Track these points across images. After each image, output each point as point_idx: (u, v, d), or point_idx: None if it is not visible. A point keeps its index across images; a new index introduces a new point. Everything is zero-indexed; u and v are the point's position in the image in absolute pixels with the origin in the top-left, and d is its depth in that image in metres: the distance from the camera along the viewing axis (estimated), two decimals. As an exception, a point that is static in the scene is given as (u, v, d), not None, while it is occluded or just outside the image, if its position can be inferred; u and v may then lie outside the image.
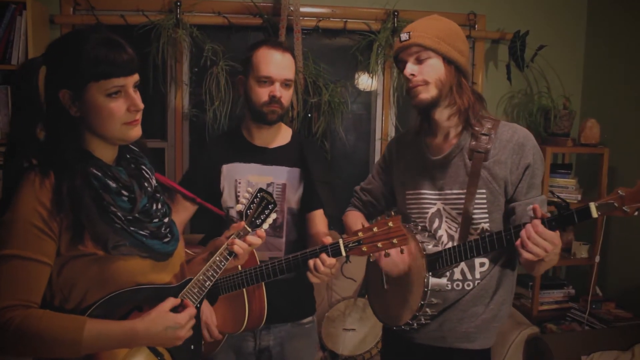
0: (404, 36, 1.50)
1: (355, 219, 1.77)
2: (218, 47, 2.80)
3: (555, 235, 1.28)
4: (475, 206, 1.49)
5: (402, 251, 1.46)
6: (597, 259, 2.93)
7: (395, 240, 1.35)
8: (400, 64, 1.54)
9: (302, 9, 2.84)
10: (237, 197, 1.82)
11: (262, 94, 1.76)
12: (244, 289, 1.64)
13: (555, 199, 1.28)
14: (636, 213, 1.21)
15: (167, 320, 1.18)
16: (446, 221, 1.54)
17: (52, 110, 1.15)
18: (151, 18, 2.77)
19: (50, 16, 2.78)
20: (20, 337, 1.06)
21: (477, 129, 1.51)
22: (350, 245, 1.39)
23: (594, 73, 3.22)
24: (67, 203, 1.11)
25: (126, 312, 1.18)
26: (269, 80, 1.76)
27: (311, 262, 1.45)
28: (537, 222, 1.28)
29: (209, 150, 1.95)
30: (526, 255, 1.29)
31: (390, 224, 1.35)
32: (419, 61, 1.49)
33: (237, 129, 1.94)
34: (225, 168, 1.85)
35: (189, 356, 1.30)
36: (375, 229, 1.36)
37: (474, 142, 1.51)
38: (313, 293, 1.99)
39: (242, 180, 1.83)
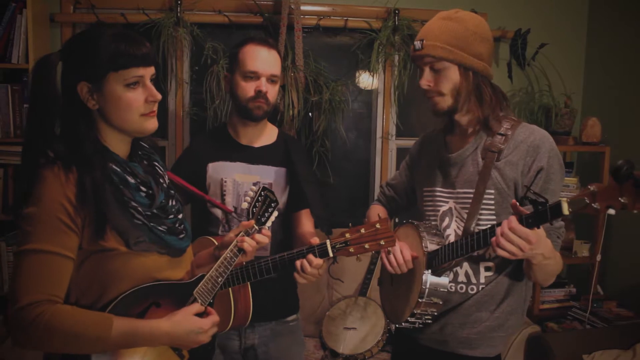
0: (417, 44, 1.45)
1: (375, 214, 1.76)
2: (218, 45, 2.80)
3: (530, 233, 1.21)
4: (483, 207, 1.46)
5: (388, 252, 1.46)
6: (599, 257, 2.92)
7: (382, 242, 1.35)
8: (419, 68, 1.51)
9: (303, 7, 2.83)
10: (222, 195, 1.82)
11: (248, 89, 1.77)
12: (230, 288, 1.63)
13: (533, 196, 1.21)
14: (612, 211, 1.15)
15: (191, 323, 1.21)
16: (456, 220, 1.52)
17: (70, 105, 1.17)
18: (151, 16, 2.77)
19: (51, 15, 2.78)
20: (49, 333, 1.07)
21: (494, 129, 1.48)
22: (338, 246, 1.39)
23: (595, 71, 3.22)
24: (91, 197, 1.13)
25: (145, 308, 1.20)
26: (255, 76, 1.77)
27: (298, 263, 1.45)
28: (513, 217, 1.23)
29: (193, 148, 1.95)
30: (500, 252, 1.25)
31: (378, 225, 1.35)
32: (434, 70, 1.45)
33: (222, 127, 1.94)
34: (211, 166, 1.85)
35: (204, 351, 1.33)
36: (362, 230, 1.36)
37: (488, 142, 1.48)
38: (296, 291, 1.99)
39: (228, 179, 1.83)
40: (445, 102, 1.47)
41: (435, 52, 1.42)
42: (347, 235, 1.38)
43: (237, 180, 1.83)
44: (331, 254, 1.41)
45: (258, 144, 1.88)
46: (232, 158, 1.85)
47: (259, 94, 1.76)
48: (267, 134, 1.91)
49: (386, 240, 1.35)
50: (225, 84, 1.87)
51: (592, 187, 1.16)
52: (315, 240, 1.44)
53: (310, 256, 1.43)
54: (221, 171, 1.84)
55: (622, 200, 1.12)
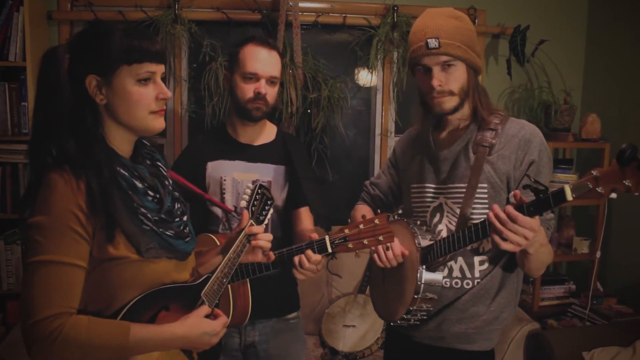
0: (432, 42, 1.41)
1: (361, 213, 1.76)
2: (216, 42, 2.79)
3: (533, 221, 1.21)
4: (476, 201, 1.46)
5: (387, 248, 1.45)
6: (598, 254, 2.92)
7: (381, 237, 1.35)
8: (419, 67, 1.48)
9: (301, 4, 2.82)
10: (222, 194, 1.82)
11: (247, 90, 1.76)
12: (229, 285, 1.63)
13: (534, 184, 1.21)
14: (613, 195, 1.16)
15: (205, 326, 1.22)
16: (447, 216, 1.52)
17: (77, 99, 1.12)
18: (149, 14, 2.77)
19: (48, 12, 2.77)
20: (68, 345, 1.04)
21: (488, 122, 1.48)
22: (337, 241, 1.40)
23: (595, 68, 3.21)
24: (101, 204, 1.09)
25: (155, 312, 1.18)
26: (254, 77, 1.76)
27: (296, 259, 1.46)
28: (509, 207, 1.22)
29: (193, 147, 1.95)
30: (504, 246, 1.23)
31: (377, 221, 1.35)
32: (445, 69, 1.44)
33: (221, 126, 1.94)
34: (210, 165, 1.85)
35: (212, 352, 1.33)
36: (361, 226, 1.36)
37: (479, 136, 1.48)
38: (297, 289, 1.99)
39: (227, 177, 1.83)
40: (454, 101, 1.47)
41: (454, 51, 1.42)
42: (346, 231, 1.38)
43: (236, 179, 1.83)
44: (330, 250, 1.42)
45: (257, 142, 1.89)
46: (231, 157, 1.85)
47: (258, 95, 1.76)
48: (266, 133, 1.91)
49: (385, 235, 1.35)
50: (225, 83, 1.87)
51: (594, 172, 1.16)
52: (315, 236, 1.45)
53: (309, 252, 1.44)
54: (220, 170, 1.84)
55: (626, 183, 1.13)
